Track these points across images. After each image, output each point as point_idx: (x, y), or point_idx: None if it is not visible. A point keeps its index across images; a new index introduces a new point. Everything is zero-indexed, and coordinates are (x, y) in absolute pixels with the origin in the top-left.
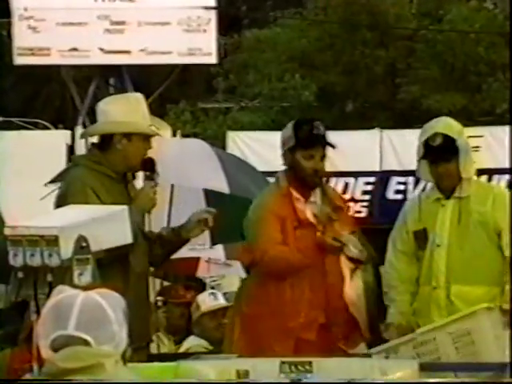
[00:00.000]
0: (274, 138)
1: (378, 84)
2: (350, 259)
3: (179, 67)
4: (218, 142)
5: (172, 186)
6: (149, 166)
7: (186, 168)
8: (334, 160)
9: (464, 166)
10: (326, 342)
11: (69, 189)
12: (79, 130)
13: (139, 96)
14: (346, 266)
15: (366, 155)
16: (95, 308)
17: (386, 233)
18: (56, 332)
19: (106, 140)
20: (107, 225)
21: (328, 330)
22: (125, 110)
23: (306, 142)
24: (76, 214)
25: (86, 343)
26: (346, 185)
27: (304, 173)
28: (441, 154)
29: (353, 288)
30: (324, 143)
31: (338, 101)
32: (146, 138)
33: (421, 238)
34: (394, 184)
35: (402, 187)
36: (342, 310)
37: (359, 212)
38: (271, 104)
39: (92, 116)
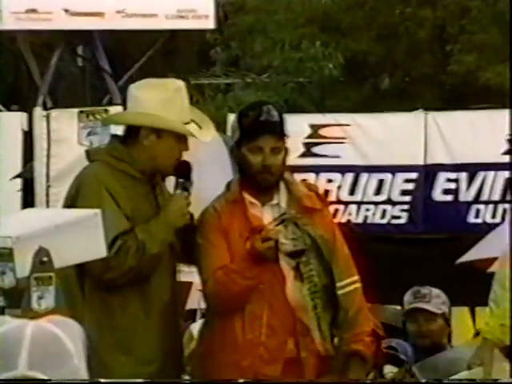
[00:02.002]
0: (288, 123)
1: (423, 53)
2: (288, 255)
3: (166, 34)
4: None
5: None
6: (183, 171)
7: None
8: (365, 151)
9: None
10: (296, 375)
11: (80, 189)
12: (38, 111)
13: (181, 84)
14: (285, 265)
15: (406, 144)
16: (50, 340)
17: (431, 244)
18: (3, 374)
19: (133, 133)
20: (75, 234)
21: (297, 361)
22: (158, 100)
23: (251, 132)
24: (36, 220)
25: None
26: (381, 183)
27: (252, 170)
28: None
29: (295, 287)
30: (276, 131)
31: (370, 75)
32: (181, 136)
33: None
34: (442, 181)
35: (452, 186)
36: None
37: (396, 218)
38: (284, 80)
39: (54, 95)
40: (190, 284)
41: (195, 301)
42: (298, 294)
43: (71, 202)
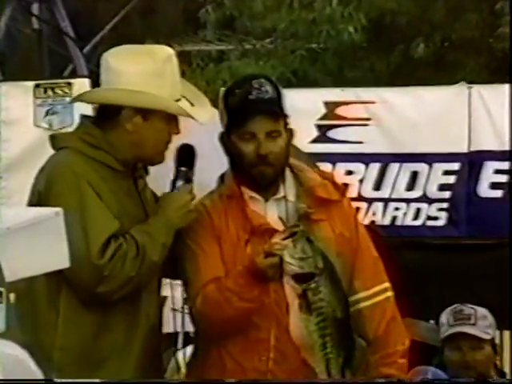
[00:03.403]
0: (297, 100)
1: (466, 12)
2: (294, 277)
3: None
4: None
5: None
6: (185, 158)
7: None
8: (394, 135)
9: None
10: None
11: (52, 185)
12: None
13: (171, 53)
14: (290, 291)
15: (445, 127)
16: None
17: (476, 251)
18: None
19: (110, 114)
20: (32, 239)
21: None
22: (144, 73)
23: (240, 115)
24: None
25: None
26: (414, 175)
27: (245, 162)
28: None
29: (300, 320)
30: (271, 111)
31: (400, 40)
32: (171, 117)
33: None
34: (491, 173)
35: (502, 178)
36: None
37: (433, 218)
38: (292, 46)
39: (3, 65)
40: (162, 299)
41: (177, 322)
42: (303, 330)
43: (39, 202)
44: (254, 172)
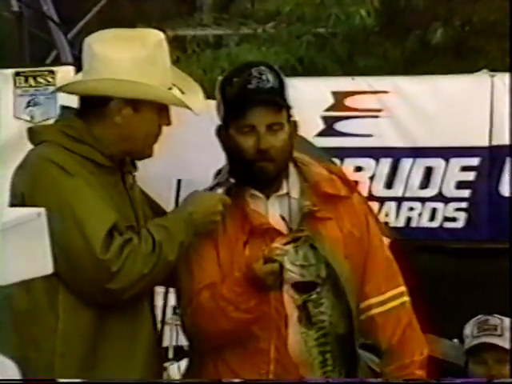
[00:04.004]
0: (303, 90)
1: None
2: (294, 286)
3: None
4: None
5: (179, 180)
6: (240, 173)
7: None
8: (408, 128)
9: None
10: None
11: (35, 182)
12: None
13: (161, 37)
14: (289, 302)
15: (464, 118)
16: None
17: (498, 256)
18: None
19: (96, 105)
20: (10, 243)
21: None
22: (134, 60)
23: (238, 106)
24: None
25: None
26: (429, 171)
27: (244, 157)
28: None
29: (299, 334)
30: (272, 101)
31: (416, 24)
32: (163, 107)
33: None
34: None
35: None
36: None
37: (451, 220)
38: (298, 31)
39: None
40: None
41: (167, 334)
42: (301, 345)
43: (24, 203)
44: (253, 168)
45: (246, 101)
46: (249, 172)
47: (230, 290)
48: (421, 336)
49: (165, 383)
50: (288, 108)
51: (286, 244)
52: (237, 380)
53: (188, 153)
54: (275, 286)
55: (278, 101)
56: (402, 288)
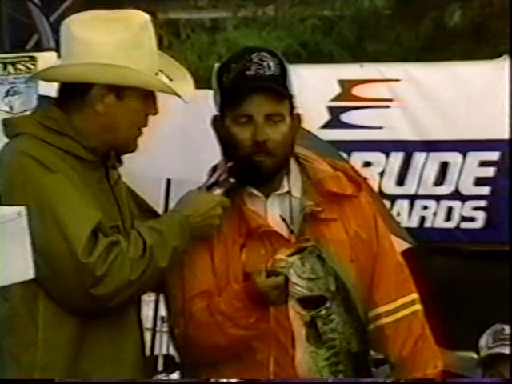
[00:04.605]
0: (307, 78)
1: None
2: (301, 302)
3: None
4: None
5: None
6: (243, 174)
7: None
8: (422, 120)
9: None
10: None
11: (11, 178)
12: None
13: (146, 18)
14: (296, 318)
15: (483, 109)
16: None
17: None
18: None
19: (76, 93)
20: None
21: None
22: (118, 43)
23: (235, 94)
24: None
25: None
26: (445, 167)
27: (240, 150)
28: None
29: (308, 354)
30: (272, 90)
31: (432, 6)
32: (149, 95)
33: None
34: None
35: None
36: None
37: (469, 219)
38: (301, 14)
39: None
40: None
41: (157, 344)
42: (311, 365)
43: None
44: (250, 163)
45: (244, 88)
46: (245, 166)
47: (229, 303)
48: (434, 348)
49: (163, 383)
50: (291, 98)
51: (290, 255)
52: (235, 380)
53: (179, 150)
54: (280, 302)
55: (278, 89)
56: (414, 295)
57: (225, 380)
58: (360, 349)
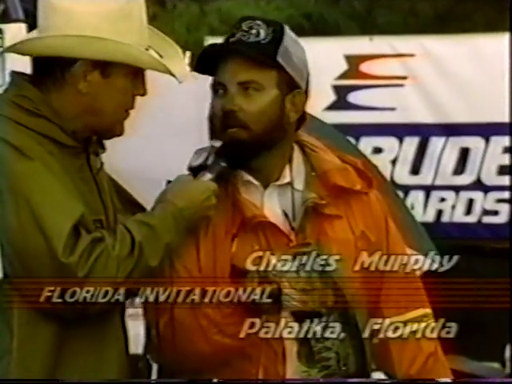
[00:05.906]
0: (310, 52)
1: None
2: (294, 315)
3: None
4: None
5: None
6: (237, 157)
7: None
8: (439, 100)
9: None
10: None
11: None
12: None
13: None
14: (287, 333)
15: (508, 88)
16: None
17: None
18: None
19: (55, 69)
20: None
21: None
22: (104, 14)
23: (212, 60)
24: None
25: None
26: (465, 153)
27: (213, 123)
28: None
29: (300, 376)
30: (250, 55)
31: None
32: (138, 73)
33: None
34: None
35: None
36: None
37: (492, 213)
38: None
39: None
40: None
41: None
42: None
43: None
44: (224, 137)
45: (219, 53)
46: (223, 145)
47: (216, 309)
48: (446, 368)
49: (165, 383)
50: (280, 69)
51: (285, 261)
52: (230, 380)
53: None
54: (271, 312)
55: (257, 55)
56: (427, 310)
57: (219, 380)
58: (359, 370)
